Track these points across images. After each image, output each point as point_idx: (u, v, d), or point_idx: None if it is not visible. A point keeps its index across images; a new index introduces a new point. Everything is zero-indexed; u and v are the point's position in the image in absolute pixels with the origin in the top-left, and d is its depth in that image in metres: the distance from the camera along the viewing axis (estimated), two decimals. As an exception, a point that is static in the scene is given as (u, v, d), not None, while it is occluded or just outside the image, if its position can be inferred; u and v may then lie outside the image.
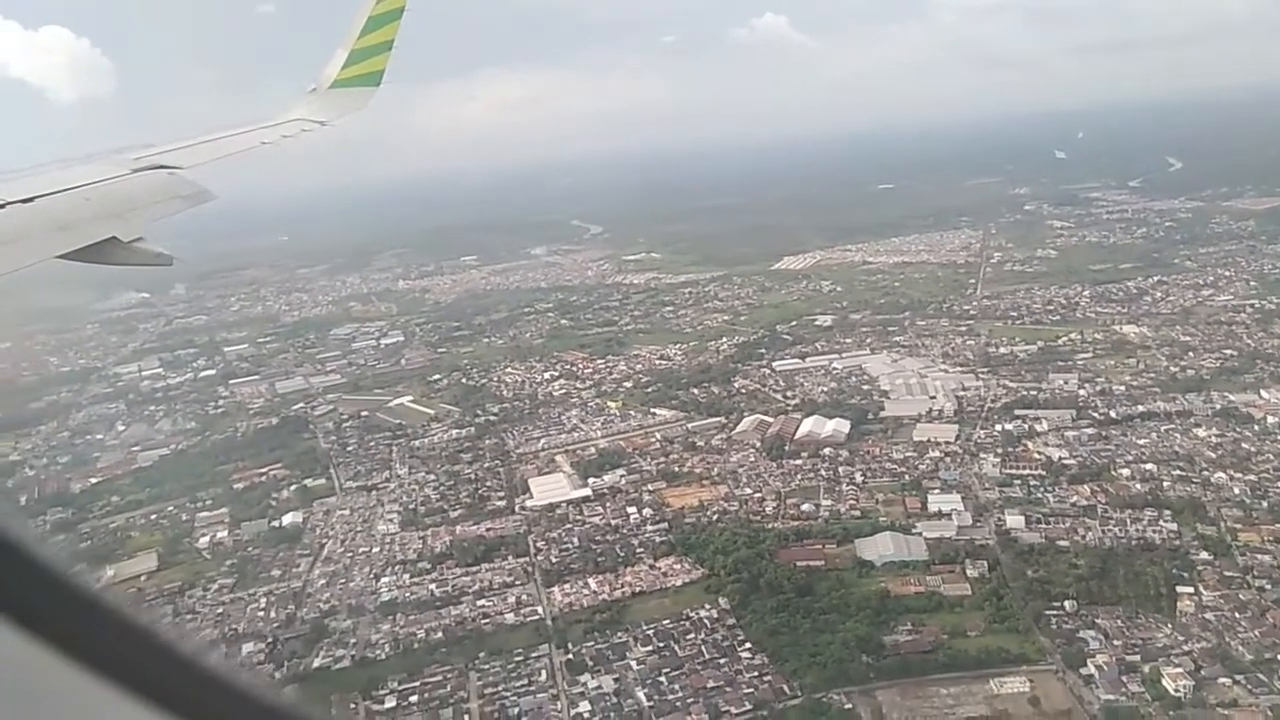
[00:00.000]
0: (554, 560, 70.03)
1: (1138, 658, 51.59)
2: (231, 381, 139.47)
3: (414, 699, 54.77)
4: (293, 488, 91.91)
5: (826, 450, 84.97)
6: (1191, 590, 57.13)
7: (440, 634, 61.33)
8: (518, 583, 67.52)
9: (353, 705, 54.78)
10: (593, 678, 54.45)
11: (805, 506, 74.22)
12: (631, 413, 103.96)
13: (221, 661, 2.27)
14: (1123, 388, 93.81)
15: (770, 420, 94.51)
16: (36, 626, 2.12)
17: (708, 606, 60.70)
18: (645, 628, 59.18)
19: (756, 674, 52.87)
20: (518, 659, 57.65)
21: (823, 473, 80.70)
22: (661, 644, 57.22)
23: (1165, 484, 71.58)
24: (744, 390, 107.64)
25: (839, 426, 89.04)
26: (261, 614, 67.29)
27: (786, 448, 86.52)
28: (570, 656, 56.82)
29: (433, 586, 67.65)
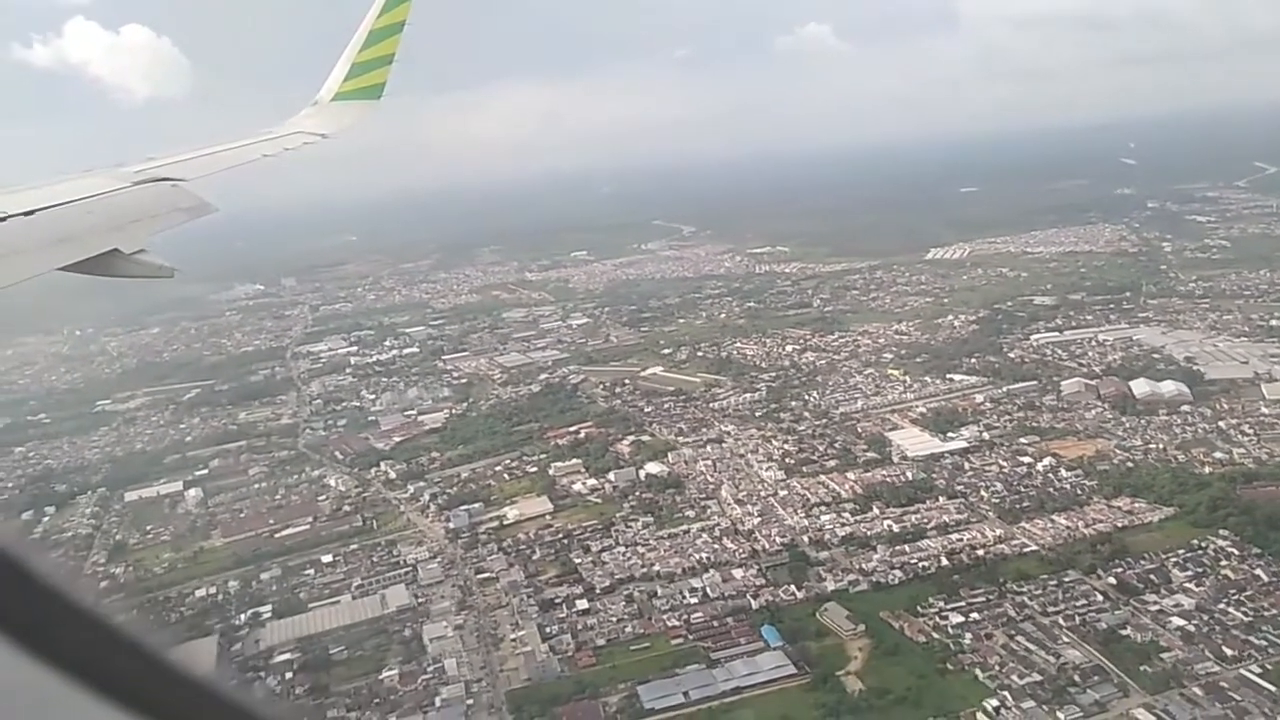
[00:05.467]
0: (993, 501, 70.46)
1: None
2: (445, 357, 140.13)
3: (975, 616, 55.14)
4: (624, 443, 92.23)
5: (1184, 407, 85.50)
6: None
7: (945, 561, 61.70)
8: (973, 520, 67.96)
9: (903, 621, 55.09)
10: (1160, 597, 54.87)
11: (1217, 454, 74.63)
12: (925, 379, 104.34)
13: (217, 674, 2.35)
14: None
15: (1091, 383, 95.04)
16: (34, 643, 2.07)
17: (1212, 538, 61.07)
18: (1163, 556, 59.63)
19: (1344, 592, 53.25)
20: (1050, 583, 58.03)
21: (1201, 426, 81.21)
22: (1199, 569, 57.61)
23: None
24: (1025, 359, 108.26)
25: (1178, 388, 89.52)
26: (716, 546, 67.65)
27: (1137, 406, 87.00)
28: (1114, 580, 57.14)
29: (889, 523, 67.91)
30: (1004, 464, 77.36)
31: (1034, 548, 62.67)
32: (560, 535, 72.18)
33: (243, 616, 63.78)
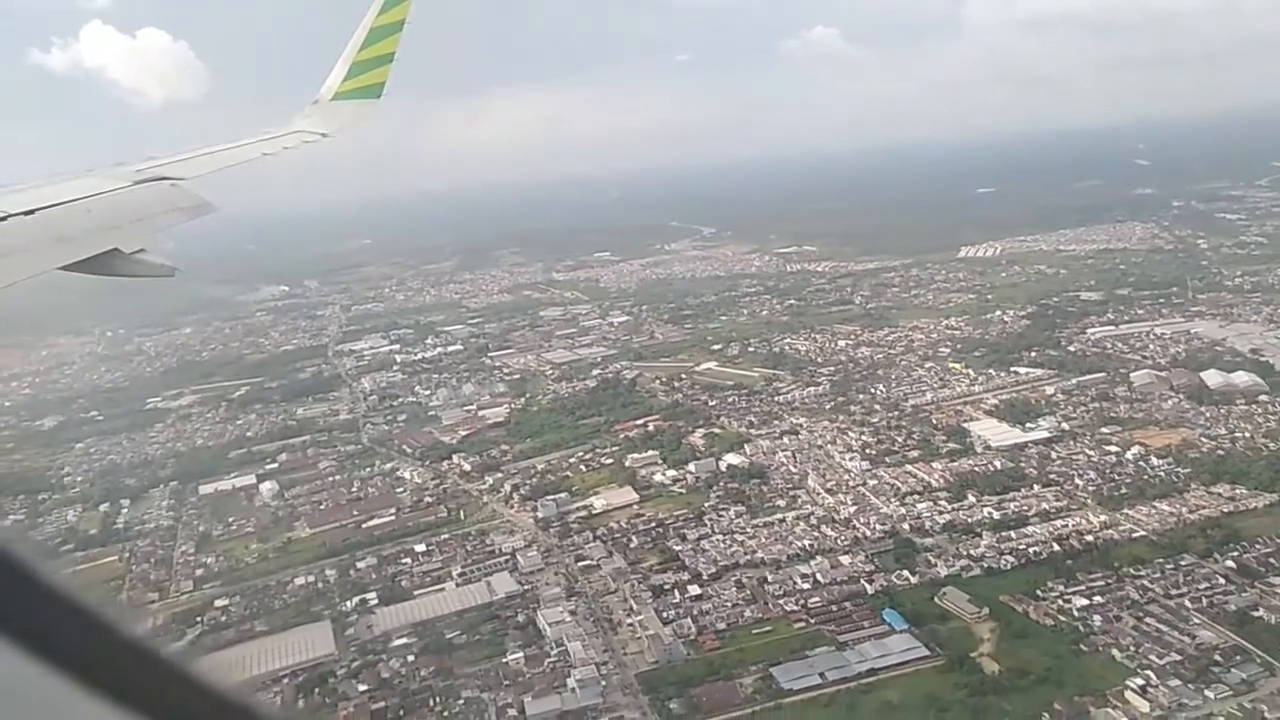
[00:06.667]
0: (1089, 488, 70.49)
1: None
2: (491, 354, 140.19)
3: (1098, 599, 55.18)
4: (696, 435, 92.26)
5: (1261, 397, 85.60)
6: None
7: (1055, 547, 61.76)
8: (1073, 507, 67.99)
9: (1025, 604, 55.08)
10: (1284, 579, 54.90)
11: (1308, 442, 74.68)
12: (989, 372, 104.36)
13: (218, 674, 2.28)
14: None
15: (1161, 374, 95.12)
16: (34, 643, 2.07)
17: (1324, 521, 61.16)
18: (1278, 540, 59.58)
19: None
20: (1167, 567, 58.05)
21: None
22: (1316, 552, 57.65)
23: None
24: (1087, 352, 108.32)
25: (1252, 379, 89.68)
26: (816, 534, 67.63)
27: (1213, 396, 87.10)
28: (1232, 563, 57.18)
29: (988, 511, 67.94)
30: (1091, 453, 77.44)
31: (1142, 533, 62.78)
32: (653, 524, 72.20)
33: (349, 603, 63.65)
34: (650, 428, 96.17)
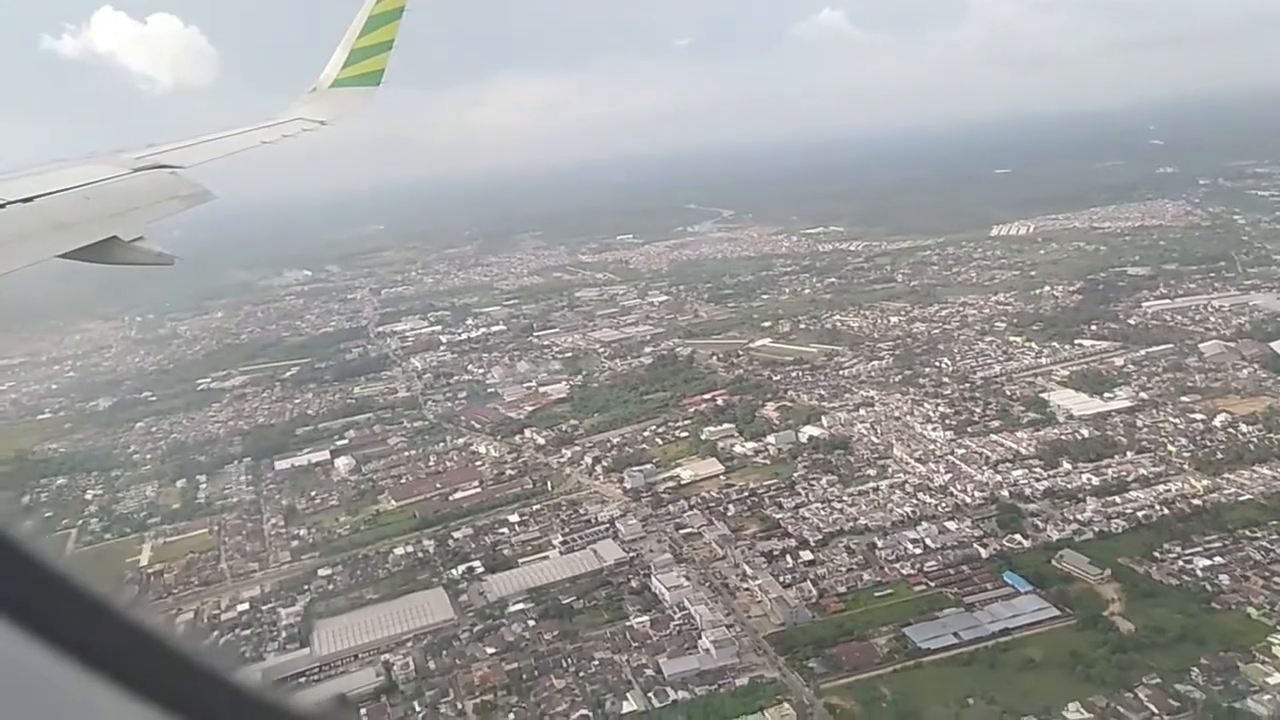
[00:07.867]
0: (1184, 455, 70.53)
1: None
2: (536, 334, 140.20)
3: (1219, 559, 55.33)
4: (768, 408, 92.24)
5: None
6: None
7: (1164, 510, 61.84)
8: (1171, 472, 68.03)
9: (1146, 566, 55.24)
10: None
11: (1396, 407, 74.67)
12: (1053, 344, 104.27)
13: (218, 656, 2.26)
14: None
15: (1230, 345, 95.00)
16: (33, 623, 2.08)
17: None
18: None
19: None
20: (1284, 528, 58.18)
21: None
22: None
23: None
24: (1147, 325, 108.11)
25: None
26: (915, 501, 67.70)
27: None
28: (1350, 523, 57.37)
29: (1086, 477, 68.04)
30: (1176, 420, 77.46)
31: (1248, 497, 62.85)
32: (745, 493, 72.29)
33: (455, 572, 63.80)
34: (719, 402, 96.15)
